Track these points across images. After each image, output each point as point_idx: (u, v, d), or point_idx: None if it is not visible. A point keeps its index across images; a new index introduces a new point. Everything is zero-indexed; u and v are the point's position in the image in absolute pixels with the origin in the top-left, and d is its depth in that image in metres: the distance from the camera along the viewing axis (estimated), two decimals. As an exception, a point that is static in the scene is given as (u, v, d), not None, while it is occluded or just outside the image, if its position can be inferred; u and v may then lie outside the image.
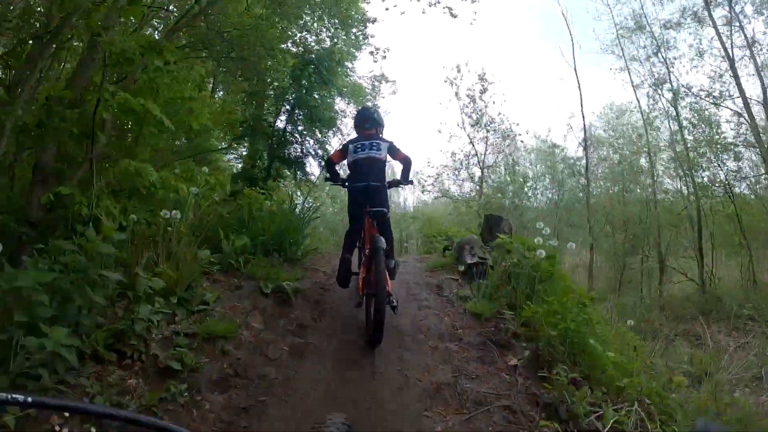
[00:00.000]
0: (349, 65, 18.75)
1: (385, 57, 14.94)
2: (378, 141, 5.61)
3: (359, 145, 5.57)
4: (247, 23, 9.43)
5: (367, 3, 14.77)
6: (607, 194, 21.00)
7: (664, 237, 18.93)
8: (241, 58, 10.09)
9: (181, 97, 7.41)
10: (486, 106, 21.57)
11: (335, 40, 14.58)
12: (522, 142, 22.94)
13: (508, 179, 21.86)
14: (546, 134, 30.35)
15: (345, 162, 5.78)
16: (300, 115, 13.00)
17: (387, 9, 10.55)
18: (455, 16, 10.29)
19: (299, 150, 13.22)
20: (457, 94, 21.85)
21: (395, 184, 5.86)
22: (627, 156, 21.20)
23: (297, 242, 7.08)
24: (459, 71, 21.68)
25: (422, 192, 23.64)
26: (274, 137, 12.95)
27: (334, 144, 13.68)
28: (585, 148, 20.24)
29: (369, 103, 8.57)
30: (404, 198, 45.52)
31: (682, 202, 18.93)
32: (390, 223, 5.64)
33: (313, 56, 13.03)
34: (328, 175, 6.00)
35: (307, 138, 13.19)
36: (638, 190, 20.98)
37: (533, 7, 49.61)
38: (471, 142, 21.97)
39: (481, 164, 21.91)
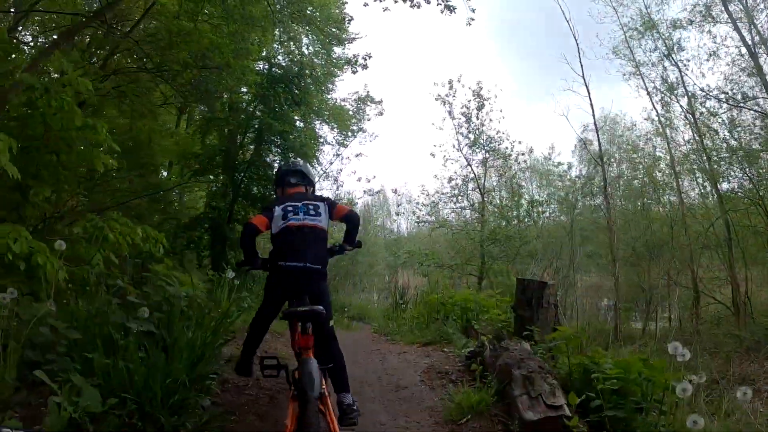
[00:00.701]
0: (330, 85, 17.06)
1: (366, 66, 12.88)
2: (315, 202, 3.90)
3: (290, 207, 3.81)
4: (171, 27, 7.23)
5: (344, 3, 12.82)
6: (624, 215, 18.74)
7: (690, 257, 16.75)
8: (158, 71, 7.90)
9: (74, 128, 5.13)
10: (483, 125, 19.64)
11: (308, 52, 12.57)
12: (525, 162, 20.97)
13: (512, 204, 19.75)
14: (549, 151, 28.45)
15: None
16: (268, 143, 10.78)
17: (366, 4, 8.27)
18: (453, 9, 8.13)
19: (267, 185, 10.98)
20: (450, 113, 19.91)
21: (338, 251, 4.13)
22: (643, 170, 19.06)
23: (191, 397, 3.67)
24: (452, 87, 19.76)
25: (417, 224, 21.44)
26: (236, 171, 10.71)
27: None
28: (602, 165, 18.02)
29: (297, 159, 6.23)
30: (398, 224, 43.62)
31: (706, 218, 16.78)
32: (334, 334, 3.79)
33: (285, 72, 10.92)
34: (243, 256, 3.97)
35: (273, 171, 10.94)
36: (660, 209, 18.82)
37: (531, 11, 48.45)
38: (469, 164, 19.95)
39: (481, 189, 19.83)
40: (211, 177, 11.10)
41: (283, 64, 11.39)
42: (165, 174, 12.67)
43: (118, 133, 10.29)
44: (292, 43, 12.63)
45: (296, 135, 10.94)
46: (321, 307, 3.31)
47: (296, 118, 11.56)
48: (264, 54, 10.61)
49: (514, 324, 6.46)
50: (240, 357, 3.96)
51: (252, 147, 11.02)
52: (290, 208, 3.79)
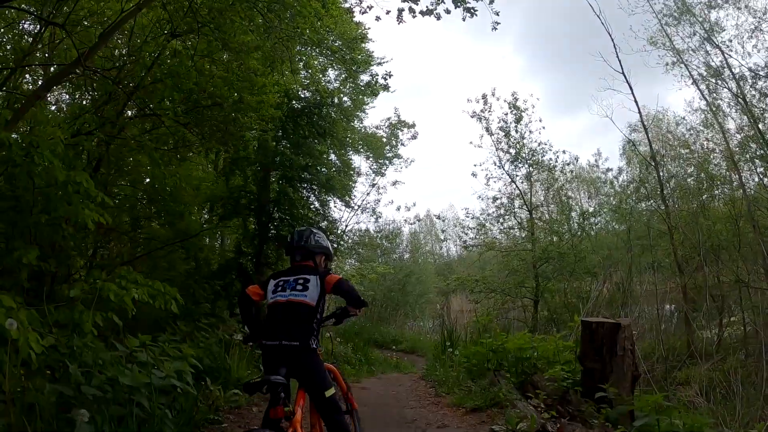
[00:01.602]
0: (361, 114, 16.63)
1: (387, 87, 12.27)
2: (306, 276, 3.74)
3: (281, 282, 3.75)
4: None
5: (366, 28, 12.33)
6: (683, 217, 17.15)
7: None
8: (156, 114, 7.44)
9: (55, 183, 4.63)
10: (523, 138, 18.78)
11: (328, 79, 12.09)
12: (571, 171, 19.94)
13: (562, 219, 18.61)
14: (595, 157, 27.22)
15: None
16: (293, 179, 10.18)
17: (378, 18, 7.74)
18: (474, 12, 7.41)
19: (297, 225, 10.35)
20: (488, 129, 19.15)
21: (340, 314, 3.88)
22: (697, 165, 17.56)
23: None
24: (486, 102, 19.06)
25: (465, 249, 20.46)
26: (264, 212, 10.13)
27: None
28: (655, 165, 16.63)
29: (305, 228, 5.60)
30: (446, 248, 42.77)
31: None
32: (337, 405, 3.63)
33: (307, 103, 10.39)
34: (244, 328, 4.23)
35: (301, 208, 10.31)
36: (720, 206, 17.26)
37: (555, 20, 47.68)
38: (513, 181, 19.02)
39: (528, 205, 18.82)
40: (240, 219, 10.55)
41: (303, 96, 10.85)
42: (207, 217, 12.28)
43: (146, 180, 9.99)
44: (311, 72, 12.14)
45: (322, 168, 10.36)
46: (280, 377, 3.20)
47: (323, 150, 11.00)
48: (282, 85, 10.07)
49: (582, 379, 5.30)
50: None
51: (279, 185, 10.43)
52: (281, 284, 3.72)
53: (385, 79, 12.14)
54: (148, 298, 5.83)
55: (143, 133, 8.63)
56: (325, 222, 10.73)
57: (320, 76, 13.01)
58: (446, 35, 64.35)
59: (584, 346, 5.17)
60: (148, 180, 10.17)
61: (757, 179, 16.90)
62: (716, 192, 17.50)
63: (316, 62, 13.47)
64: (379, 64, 14.08)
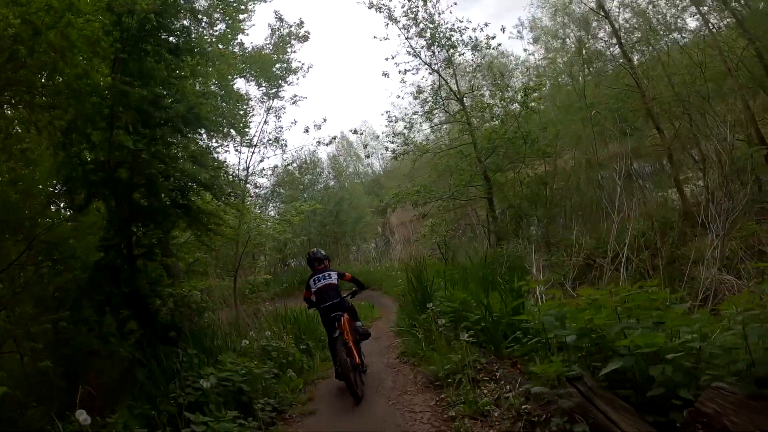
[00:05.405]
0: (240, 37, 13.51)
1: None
2: (329, 272, 7.45)
3: (316, 278, 7.37)
4: None
5: None
6: (644, 71, 14.87)
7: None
8: None
9: None
10: (433, 20, 15.83)
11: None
12: (499, 45, 17.28)
13: (500, 100, 16.05)
14: (518, 29, 24.38)
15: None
16: (137, 123, 6.86)
17: None
18: None
19: (173, 191, 7.32)
20: (391, 16, 16.07)
21: (354, 292, 7.77)
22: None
23: None
24: (381, -14, 15.85)
25: (396, 158, 17.63)
26: (111, 184, 6.89)
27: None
28: (606, 15, 13.97)
29: (314, 249, 7.94)
30: (371, 165, 40.23)
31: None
32: (361, 328, 7.53)
33: (140, 18, 6.99)
34: (308, 305, 7.57)
35: (163, 161, 7.14)
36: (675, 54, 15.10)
37: None
38: (434, 70, 16.20)
39: (456, 94, 16.15)
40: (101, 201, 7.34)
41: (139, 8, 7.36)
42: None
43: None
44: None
45: (177, 96, 7.10)
46: (339, 312, 6.94)
47: (184, 73, 7.76)
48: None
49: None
50: (337, 369, 6.72)
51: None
52: (317, 279, 7.35)
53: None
54: None
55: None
56: (205, 173, 7.55)
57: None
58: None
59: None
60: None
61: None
62: (676, 35, 15.24)
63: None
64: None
